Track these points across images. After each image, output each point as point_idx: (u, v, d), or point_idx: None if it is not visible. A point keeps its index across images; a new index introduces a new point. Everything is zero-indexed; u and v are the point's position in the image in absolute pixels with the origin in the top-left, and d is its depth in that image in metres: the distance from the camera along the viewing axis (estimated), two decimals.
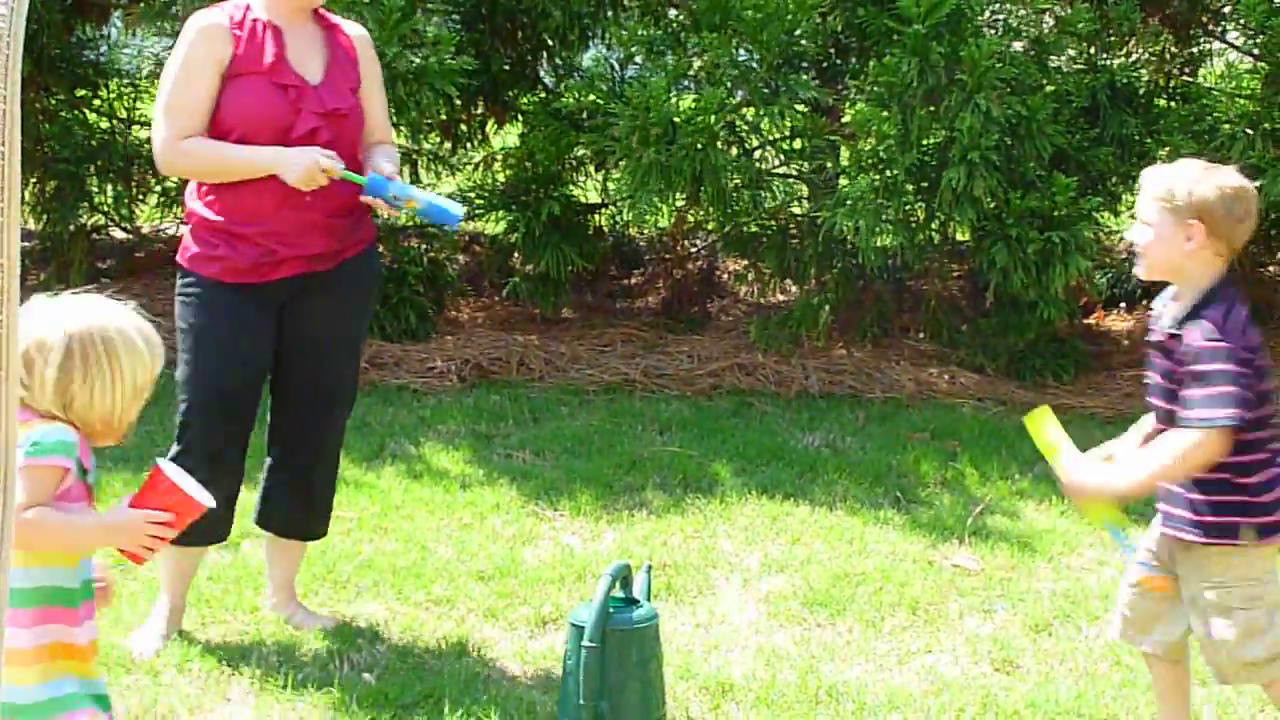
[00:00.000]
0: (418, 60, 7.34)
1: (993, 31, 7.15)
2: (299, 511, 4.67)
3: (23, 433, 2.78)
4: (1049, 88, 7.41)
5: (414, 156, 8.88)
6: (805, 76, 7.59)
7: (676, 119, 7.22)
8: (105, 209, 9.16)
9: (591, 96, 7.74)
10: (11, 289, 1.61)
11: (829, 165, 7.80)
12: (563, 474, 6.19)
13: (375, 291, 4.79)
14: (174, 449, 4.40)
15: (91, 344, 2.91)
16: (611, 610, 3.82)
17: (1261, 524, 3.54)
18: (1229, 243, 3.55)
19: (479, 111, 8.87)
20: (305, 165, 4.18)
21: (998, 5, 7.28)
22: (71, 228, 8.87)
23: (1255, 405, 3.48)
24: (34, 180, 8.76)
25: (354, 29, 4.56)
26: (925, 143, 7.23)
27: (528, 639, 4.62)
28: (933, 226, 7.51)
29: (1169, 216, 3.54)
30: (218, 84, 4.27)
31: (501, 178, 8.67)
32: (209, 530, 4.17)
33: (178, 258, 4.49)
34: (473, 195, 8.63)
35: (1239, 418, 3.43)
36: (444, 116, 8.33)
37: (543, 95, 8.61)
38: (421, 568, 5.14)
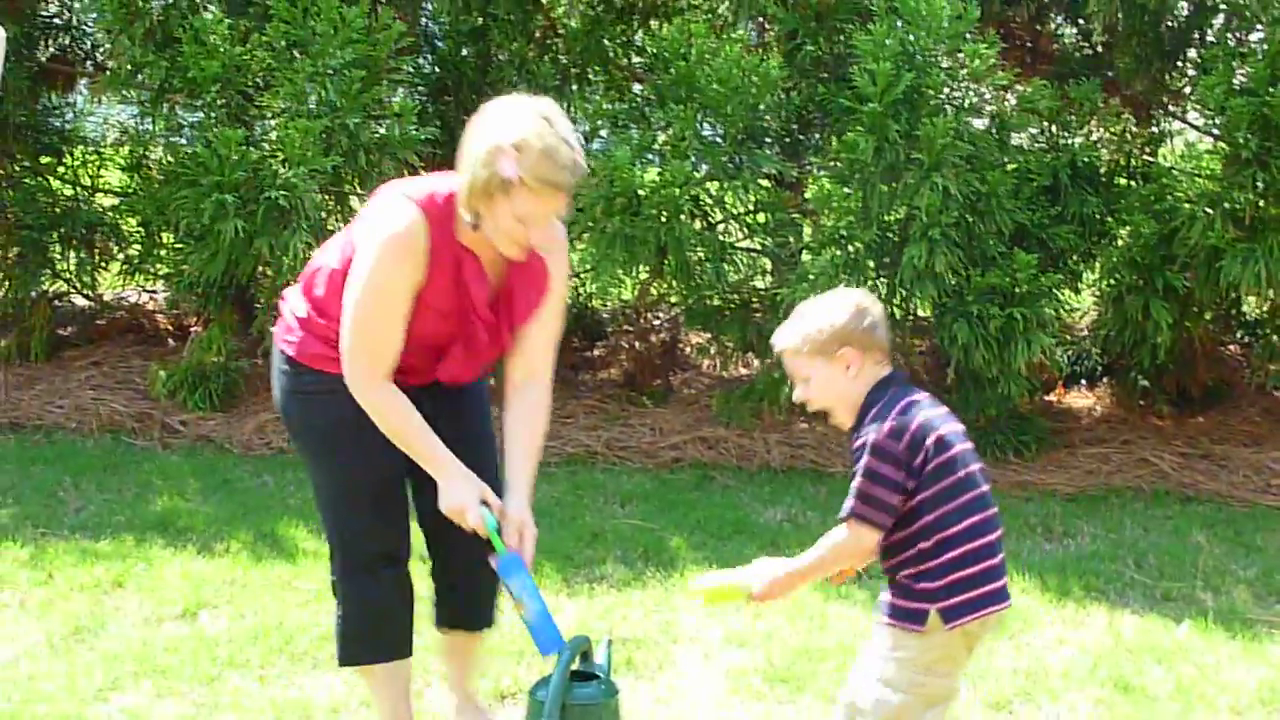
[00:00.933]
0: (381, 130, 7.37)
1: (951, 109, 7.21)
2: (475, 601, 4.37)
3: None
4: (1010, 165, 7.48)
5: None
6: (768, 151, 7.64)
7: (641, 191, 7.26)
8: (67, 276, 9.14)
9: None
10: None
11: (791, 240, 7.84)
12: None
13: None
14: (339, 563, 4.12)
15: None
16: (571, 685, 3.79)
17: (945, 608, 3.52)
18: (879, 350, 3.64)
19: None
20: (461, 503, 3.84)
21: (955, 84, 7.34)
22: (33, 294, 8.85)
23: (906, 494, 3.51)
24: None
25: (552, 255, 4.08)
26: (886, 219, 7.27)
27: (486, 711, 4.57)
28: (894, 302, 7.54)
29: (819, 360, 3.64)
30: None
31: None
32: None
33: (287, 350, 4.05)
34: None
35: (863, 514, 3.50)
36: None
37: None
38: None
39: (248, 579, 5.70)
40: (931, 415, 3.58)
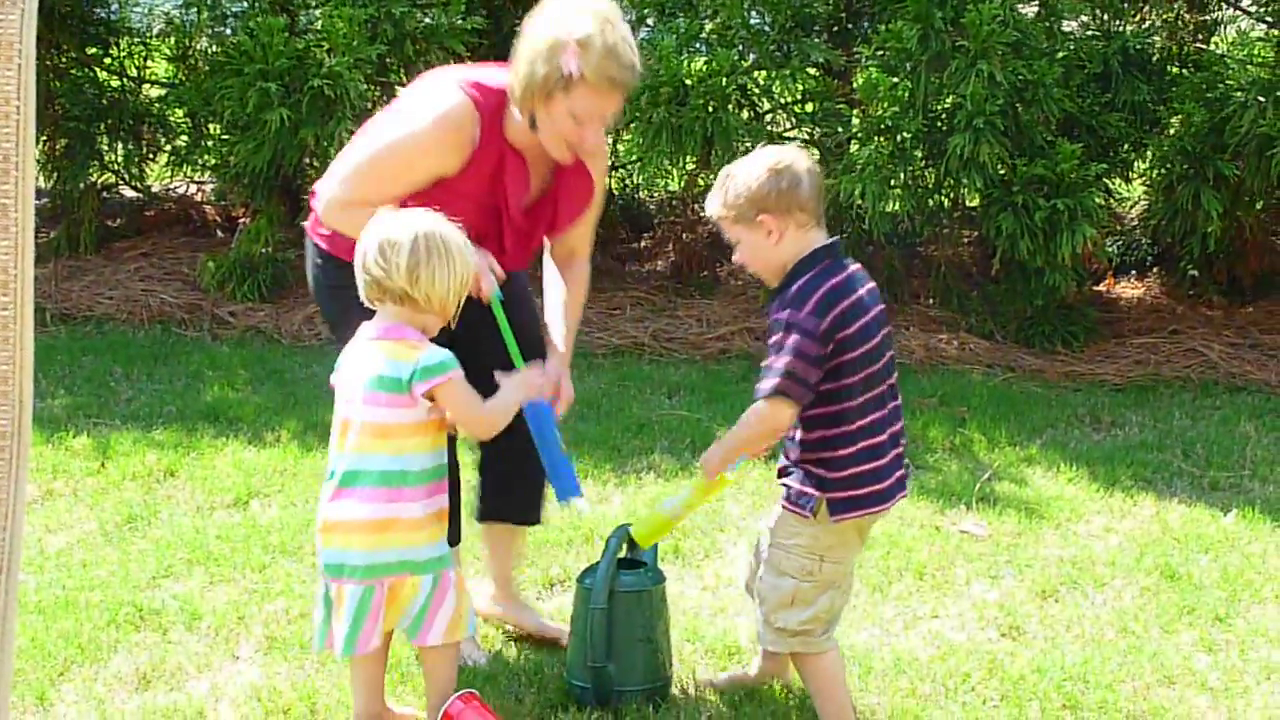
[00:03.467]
0: (427, 19, 7.33)
1: None
2: (523, 494, 4.39)
3: (398, 360, 3.49)
4: (1059, 53, 7.38)
5: None
6: (817, 39, 7.56)
7: (688, 81, 7.20)
8: (115, 167, 9.17)
9: None
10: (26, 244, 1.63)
11: (839, 129, 7.78)
12: (571, 437, 6.17)
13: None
14: None
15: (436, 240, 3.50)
16: (618, 573, 3.83)
17: (833, 499, 3.55)
18: (803, 211, 3.52)
19: None
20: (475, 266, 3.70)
21: None
22: (82, 186, 8.88)
23: (824, 377, 3.47)
24: (44, 138, 8.77)
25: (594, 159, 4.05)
26: (934, 108, 7.21)
27: (535, 600, 4.62)
28: (942, 192, 7.50)
29: (740, 226, 3.56)
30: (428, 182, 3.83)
31: None
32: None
33: (320, 243, 4.02)
34: None
35: (785, 389, 3.45)
36: None
37: None
38: None
39: (298, 468, 5.75)
40: (861, 295, 3.52)
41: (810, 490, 3.57)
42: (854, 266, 3.60)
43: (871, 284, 3.62)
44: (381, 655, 3.66)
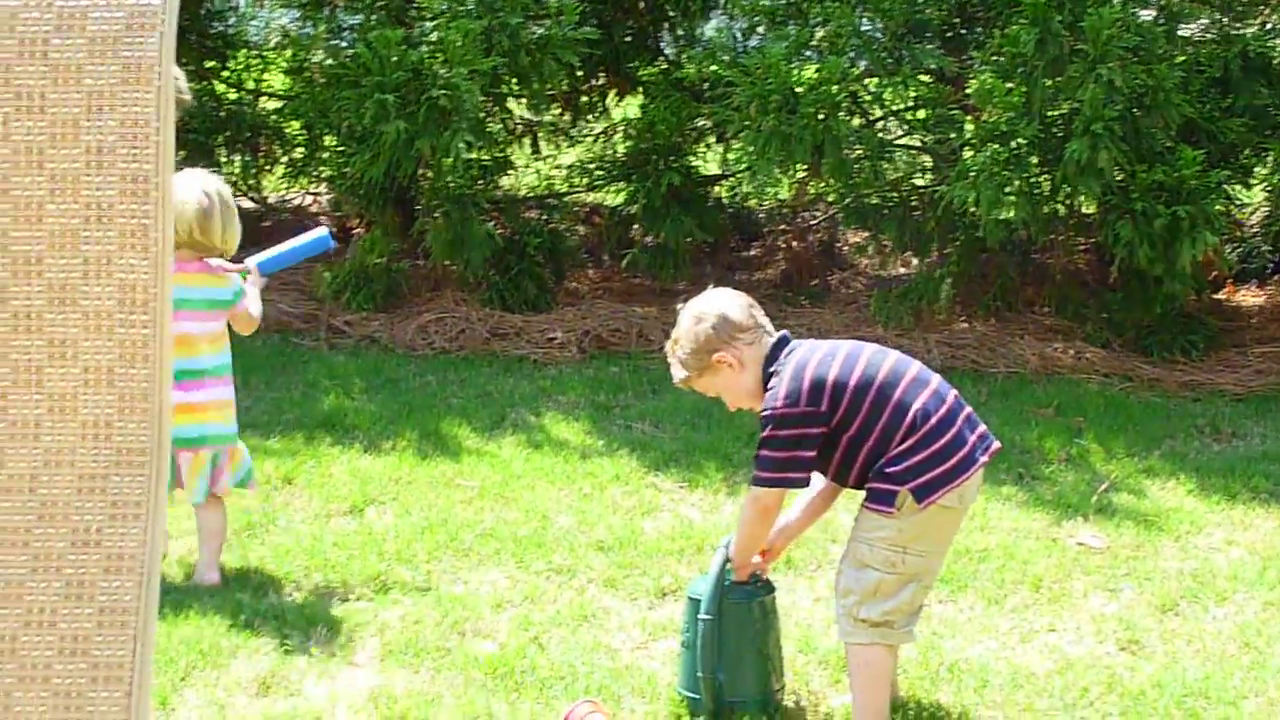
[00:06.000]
0: (540, 30, 7.37)
1: None
2: None
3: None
4: (1178, 57, 7.27)
5: (534, 130, 8.93)
6: (930, 45, 7.51)
7: (799, 89, 7.18)
8: (232, 179, 9.30)
9: (713, 67, 7.71)
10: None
11: (953, 136, 7.72)
12: (682, 445, 6.20)
13: None
14: None
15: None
16: (728, 583, 3.83)
17: (914, 487, 3.65)
18: (744, 331, 3.80)
19: (600, 82, 8.89)
20: None
21: None
22: None
23: (827, 430, 3.68)
24: None
25: None
26: (1050, 114, 7.13)
27: (647, 609, 4.63)
28: (1058, 199, 7.41)
29: (707, 376, 3.84)
30: None
31: (622, 149, 8.68)
32: None
33: None
34: (593, 167, 8.68)
35: (776, 480, 3.72)
36: (565, 87, 8.36)
37: (664, 66, 8.60)
38: (542, 537, 5.18)
39: (413, 476, 5.81)
40: (818, 365, 3.72)
41: (890, 487, 3.66)
42: (802, 344, 3.85)
43: (820, 345, 3.85)
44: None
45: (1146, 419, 6.70)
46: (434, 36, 7.73)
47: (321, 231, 4.98)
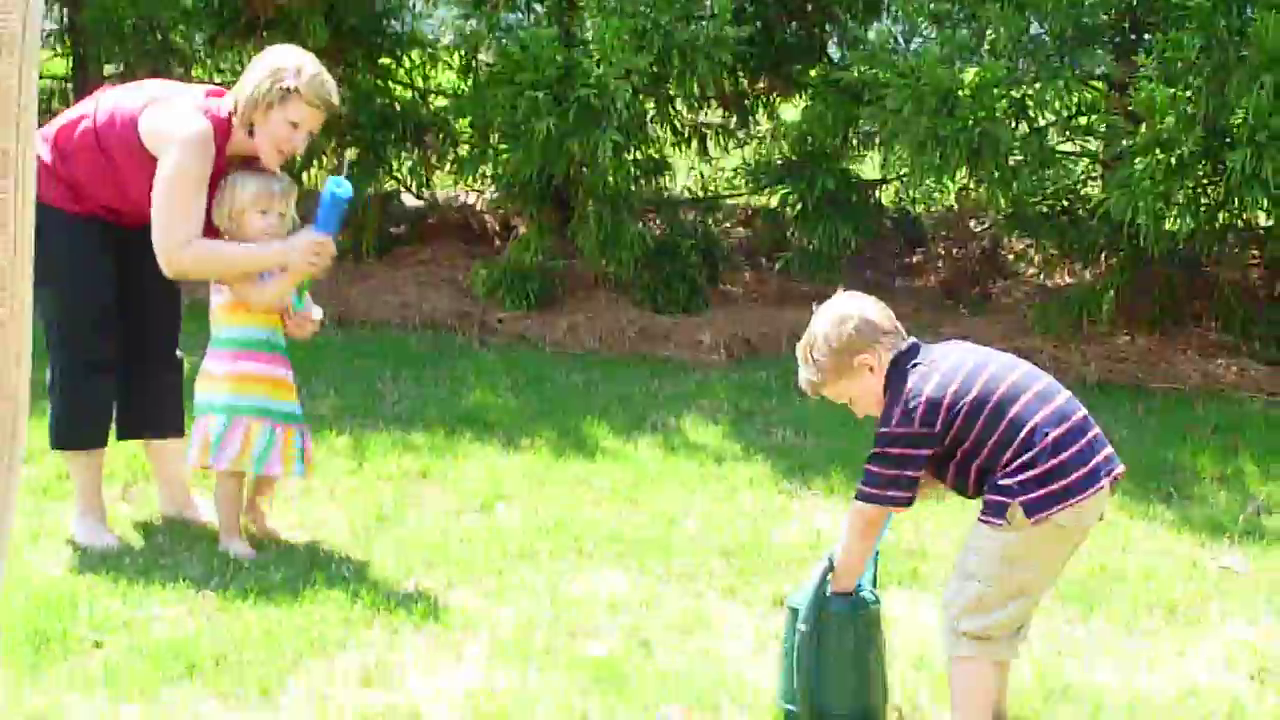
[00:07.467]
0: (694, 28, 7.34)
1: None
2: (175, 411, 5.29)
3: None
4: None
5: (703, 131, 8.92)
6: (1098, 51, 7.30)
7: (961, 92, 7.03)
8: (400, 176, 9.42)
9: (875, 69, 7.58)
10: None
11: (1122, 143, 7.49)
12: (821, 453, 6.12)
13: None
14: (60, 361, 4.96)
15: None
16: (828, 593, 3.75)
17: (1026, 502, 3.55)
18: (886, 335, 3.72)
19: (762, 84, 8.82)
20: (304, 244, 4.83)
21: None
22: (370, 192, 9.14)
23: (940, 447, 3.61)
24: (331, 146, 9.06)
25: None
26: (1222, 123, 6.87)
27: (763, 619, 4.56)
28: (1228, 210, 7.15)
29: (844, 381, 3.75)
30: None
31: (784, 151, 8.61)
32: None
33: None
34: (755, 169, 8.62)
35: (880, 497, 3.66)
36: (726, 89, 8.31)
37: (827, 68, 8.50)
38: (666, 541, 5.14)
39: (546, 474, 5.81)
40: (937, 384, 3.61)
41: (1002, 499, 3.57)
42: (923, 354, 3.72)
43: (945, 358, 3.72)
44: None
45: None
46: (589, 35, 7.73)
47: (329, 183, 4.99)
